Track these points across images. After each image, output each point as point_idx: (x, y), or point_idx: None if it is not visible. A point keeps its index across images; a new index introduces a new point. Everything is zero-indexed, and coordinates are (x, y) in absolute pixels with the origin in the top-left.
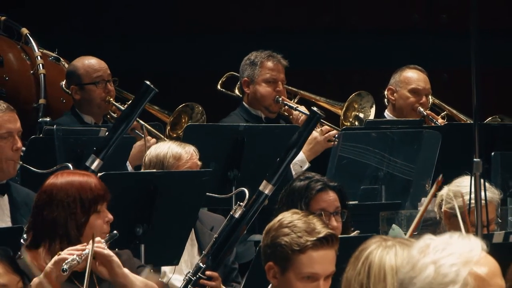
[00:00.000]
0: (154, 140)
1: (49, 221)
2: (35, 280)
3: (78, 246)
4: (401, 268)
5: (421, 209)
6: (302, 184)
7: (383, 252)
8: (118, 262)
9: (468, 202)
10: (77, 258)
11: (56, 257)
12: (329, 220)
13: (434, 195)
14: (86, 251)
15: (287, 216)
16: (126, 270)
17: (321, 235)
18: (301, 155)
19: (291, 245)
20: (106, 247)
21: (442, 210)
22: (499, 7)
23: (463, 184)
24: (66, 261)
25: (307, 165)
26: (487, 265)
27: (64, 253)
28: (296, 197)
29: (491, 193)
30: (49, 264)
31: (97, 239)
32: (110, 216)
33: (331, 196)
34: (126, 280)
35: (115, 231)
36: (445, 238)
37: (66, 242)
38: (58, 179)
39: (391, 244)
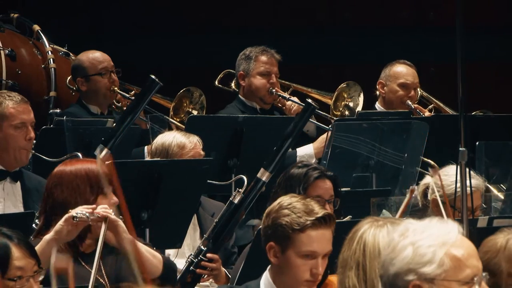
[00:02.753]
0: None
1: (60, 202)
2: (46, 237)
3: (88, 206)
4: (383, 250)
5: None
6: (300, 171)
7: (376, 231)
8: (124, 228)
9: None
10: (87, 214)
11: (66, 215)
12: (324, 207)
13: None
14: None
15: (286, 199)
16: (132, 236)
17: (319, 215)
18: (310, 150)
19: (292, 224)
20: (112, 213)
21: (430, 198)
22: (484, 5)
23: (450, 173)
24: (77, 213)
25: (313, 161)
26: (463, 247)
27: (73, 211)
28: (295, 182)
29: (477, 180)
30: (60, 222)
31: (105, 206)
32: (116, 199)
33: (327, 184)
34: (133, 245)
35: (120, 217)
36: (425, 222)
37: None
38: (67, 165)
39: (382, 223)
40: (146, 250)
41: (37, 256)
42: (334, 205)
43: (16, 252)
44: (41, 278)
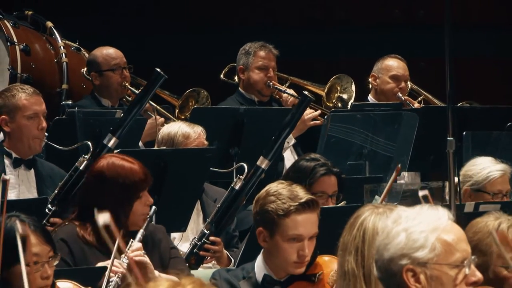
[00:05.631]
0: (162, 119)
1: (96, 204)
2: None
3: (117, 264)
4: (377, 236)
5: (387, 185)
6: (308, 164)
7: (376, 218)
8: (152, 269)
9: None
10: (117, 280)
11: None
12: (326, 201)
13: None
14: (122, 269)
15: (273, 186)
16: (156, 274)
17: (302, 200)
18: None
19: (277, 210)
20: (144, 254)
21: (462, 191)
22: (470, 3)
23: (478, 162)
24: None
25: (293, 141)
26: (453, 232)
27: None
28: (302, 175)
29: (504, 165)
30: None
31: (136, 245)
32: (151, 200)
33: (333, 180)
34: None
35: (154, 207)
36: (416, 210)
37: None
38: (107, 164)
39: (382, 211)
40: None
41: (52, 243)
42: (337, 199)
43: (32, 238)
44: (55, 263)
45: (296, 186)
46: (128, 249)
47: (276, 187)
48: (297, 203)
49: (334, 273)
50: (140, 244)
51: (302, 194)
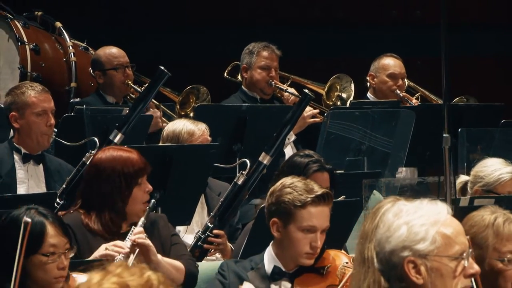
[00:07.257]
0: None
1: (98, 194)
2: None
3: (121, 244)
4: (378, 229)
5: None
6: (302, 160)
7: None
8: (154, 251)
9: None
10: (121, 257)
11: (103, 252)
12: None
13: None
14: (126, 249)
15: (288, 179)
16: (159, 257)
17: (319, 193)
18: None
19: (294, 201)
20: (146, 237)
21: (472, 191)
22: (465, 3)
23: (489, 164)
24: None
25: (293, 137)
26: (452, 226)
27: (110, 249)
28: (296, 171)
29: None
30: (96, 255)
31: (138, 229)
32: (150, 187)
33: (325, 176)
34: (159, 266)
35: (153, 200)
36: (416, 204)
37: (113, 212)
38: (105, 155)
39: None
40: (170, 265)
41: (69, 235)
42: None
43: (50, 230)
44: (71, 255)
45: (310, 181)
46: (131, 233)
47: (291, 180)
48: (313, 195)
49: (343, 266)
50: (141, 229)
51: (317, 188)
